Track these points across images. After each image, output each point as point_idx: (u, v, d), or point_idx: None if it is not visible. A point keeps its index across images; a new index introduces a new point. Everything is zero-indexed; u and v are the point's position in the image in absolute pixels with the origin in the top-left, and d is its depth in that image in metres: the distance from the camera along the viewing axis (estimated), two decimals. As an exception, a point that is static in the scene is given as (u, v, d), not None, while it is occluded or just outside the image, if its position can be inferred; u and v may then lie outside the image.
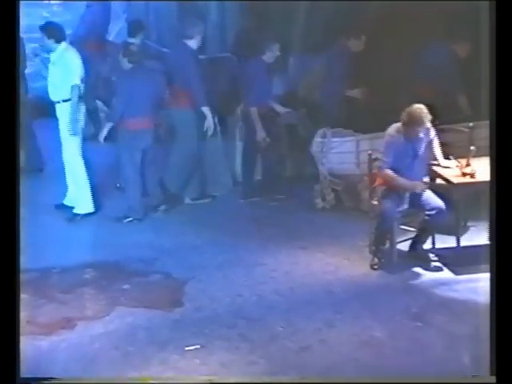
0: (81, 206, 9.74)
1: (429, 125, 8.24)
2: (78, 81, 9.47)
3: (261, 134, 10.15)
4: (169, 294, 8.11)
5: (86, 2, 12.20)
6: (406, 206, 8.39)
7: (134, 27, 10.83)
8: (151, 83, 9.67)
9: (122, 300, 7.95)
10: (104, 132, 9.54)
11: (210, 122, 9.93)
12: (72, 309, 7.80)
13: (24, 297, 7.74)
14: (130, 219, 9.66)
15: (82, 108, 9.59)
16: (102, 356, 7.08)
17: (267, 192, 10.37)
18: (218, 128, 10.45)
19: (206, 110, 9.91)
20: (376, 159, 8.53)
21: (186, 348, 7.11)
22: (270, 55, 10.17)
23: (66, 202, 9.82)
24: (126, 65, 9.59)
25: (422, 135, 8.27)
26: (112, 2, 12.71)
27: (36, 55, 10.72)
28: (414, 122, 8.15)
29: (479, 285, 7.97)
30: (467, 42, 10.05)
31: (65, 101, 9.53)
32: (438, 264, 8.48)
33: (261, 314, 7.71)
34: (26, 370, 6.62)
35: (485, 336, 5.75)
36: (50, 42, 9.58)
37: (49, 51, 9.76)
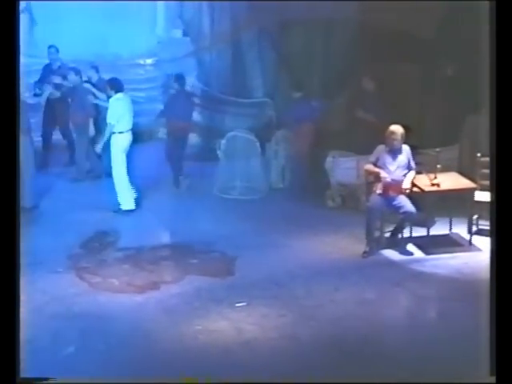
0: (125, 204, 9.56)
1: (401, 139, 8.17)
2: (113, 121, 9.40)
3: None
4: (224, 266, 8.02)
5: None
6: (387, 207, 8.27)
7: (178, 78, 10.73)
8: None
9: (191, 270, 7.91)
10: None
11: None
12: (157, 275, 7.78)
13: (125, 267, 7.97)
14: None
15: (120, 137, 9.52)
16: (177, 308, 7.10)
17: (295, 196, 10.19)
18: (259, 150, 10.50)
19: None
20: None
21: (236, 304, 7.12)
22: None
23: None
24: (113, 94, 9.54)
25: (398, 145, 8.22)
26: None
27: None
28: (391, 133, 8.16)
29: (440, 262, 8.06)
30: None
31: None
32: (409, 249, 8.35)
33: (288, 280, 7.65)
34: (126, 318, 6.90)
35: (484, 336, 4.94)
36: (112, 92, 9.55)
37: (109, 97, 9.70)
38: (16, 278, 4.77)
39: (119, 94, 9.60)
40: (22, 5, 12.27)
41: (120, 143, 9.57)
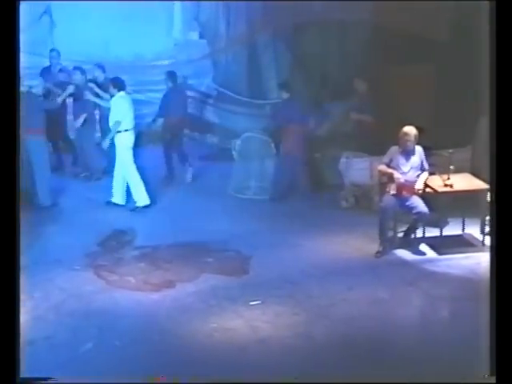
0: (140, 200, 9.58)
1: (415, 140, 8.12)
2: (120, 118, 9.44)
3: None
4: (238, 265, 8.01)
5: None
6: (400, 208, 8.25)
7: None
8: None
9: (206, 269, 7.89)
10: None
11: None
12: (173, 274, 7.77)
13: (141, 265, 7.98)
14: None
15: (126, 135, 9.55)
16: (193, 306, 7.10)
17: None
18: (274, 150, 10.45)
19: None
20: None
21: (251, 303, 7.12)
22: None
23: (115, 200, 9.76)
24: (116, 92, 9.56)
25: (411, 146, 8.17)
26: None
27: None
28: (404, 134, 8.12)
29: (453, 262, 8.02)
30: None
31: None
32: (422, 249, 8.33)
33: (301, 279, 7.64)
34: (142, 316, 6.91)
35: (485, 336, 4.89)
36: (114, 91, 9.56)
37: (111, 96, 9.69)
38: (16, 278, 4.70)
39: (122, 93, 9.62)
40: (42, 7, 12.35)
41: (126, 141, 9.60)
